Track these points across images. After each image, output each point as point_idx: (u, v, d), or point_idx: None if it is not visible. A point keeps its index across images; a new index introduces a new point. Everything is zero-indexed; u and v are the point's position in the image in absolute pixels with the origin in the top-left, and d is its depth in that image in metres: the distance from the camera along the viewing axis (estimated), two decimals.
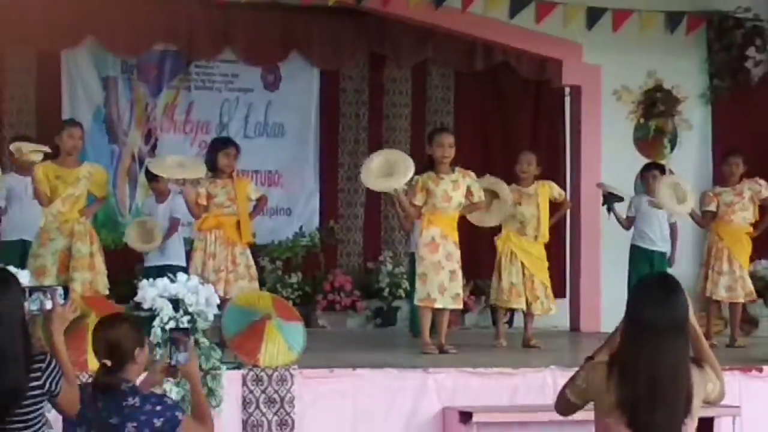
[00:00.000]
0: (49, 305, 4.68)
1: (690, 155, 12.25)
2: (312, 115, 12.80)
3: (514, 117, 13.04)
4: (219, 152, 9.09)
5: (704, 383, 4.28)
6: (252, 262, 9.01)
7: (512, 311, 10.33)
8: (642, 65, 11.91)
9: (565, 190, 11.27)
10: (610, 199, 10.71)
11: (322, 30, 12.08)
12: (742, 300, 10.26)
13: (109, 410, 4.57)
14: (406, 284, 11.79)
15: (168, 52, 12.13)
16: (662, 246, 10.72)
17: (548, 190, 9.81)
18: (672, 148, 12.24)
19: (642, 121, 12.10)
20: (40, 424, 4.54)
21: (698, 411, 4.25)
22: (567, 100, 12.23)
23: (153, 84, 12.28)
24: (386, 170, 8.86)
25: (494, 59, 12.51)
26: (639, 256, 10.65)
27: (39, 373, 4.49)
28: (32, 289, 4.76)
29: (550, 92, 12.61)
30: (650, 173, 10.79)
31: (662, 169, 11.00)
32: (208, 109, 12.43)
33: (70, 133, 9.01)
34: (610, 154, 11.62)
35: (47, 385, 4.50)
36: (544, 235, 9.75)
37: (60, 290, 4.81)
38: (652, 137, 12.12)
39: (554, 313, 9.90)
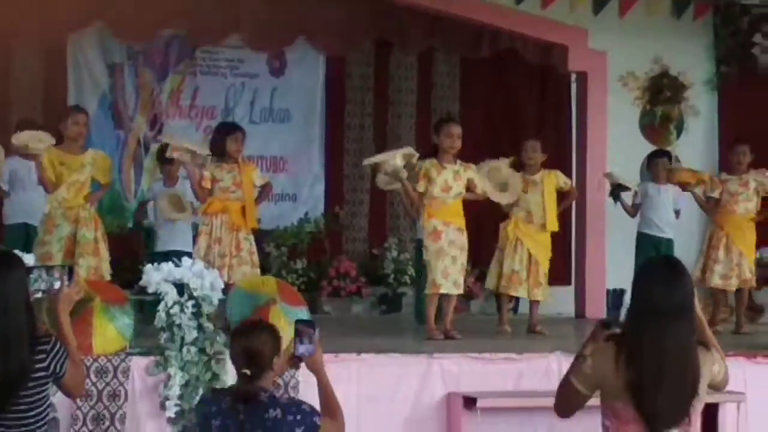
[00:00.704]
0: (57, 285, 4.68)
1: (696, 142, 12.24)
2: (317, 101, 12.79)
3: (520, 103, 13.02)
4: (227, 137, 9.03)
5: (711, 364, 4.28)
6: (255, 249, 8.97)
7: (517, 298, 10.33)
8: (648, 51, 11.89)
9: (570, 176, 11.26)
10: (617, 189, 10.70)
11: (328, 15, 12.04)
12: (733, 288, 10.21)
13: (252, 423, 4.46)
14: (411, 271, 11.79)
15: (173, 37, 12.11)
16: (669, 233, 10.70)
17: (554, 179, 9.80)
18: (678, 135, 12.23)
19: (648, 107, 12.08)
20: (44, 406, 4.55)
21: (705, 393, 4.24)
22: (573, 86, 12.21)
23: (158, 70, 12.28)
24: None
25: (500, 45, 12.47)
26: (646, 243, 10.63)
27: (44, 355, 4.49)
28: (32, 268, 4.76)
29: (556, 78, 12.58)
30: (659, 160, 10.78)
31: (669, 156, 10.99)
32: (213, 94, 12.42)
33: (75, 120, 8.97)
34: (616, 140, 11.61)
35: (52, 367, 4.51)
36: (552, 223, 9.72)
37: (66, 270, 4.81)
38: (658, 124, 12.11)
39: (549, 300, 9.87)
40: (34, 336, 4.52)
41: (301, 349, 4.62)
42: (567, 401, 4.33)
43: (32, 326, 4.53)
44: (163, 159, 10.03)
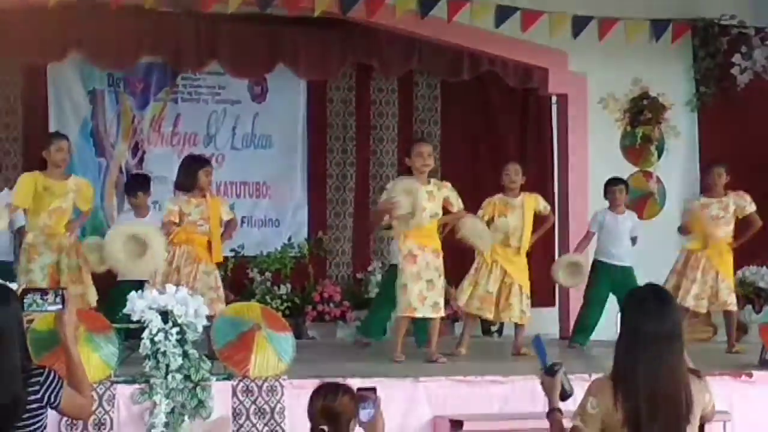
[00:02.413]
0: (52, 308, 4.69)
1: (677, 162, 12.29)
2: (299, 126, 12.80)
3: (501, 126, 13.06)
4: (200, 170, 8.90)
5: (703, 393, 4.34)
6: (219, 283, 8.79)
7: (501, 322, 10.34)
8: (628, 73, 11.95)
9: (553, 198, 11.30)
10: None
11: (308, 41, 12.07)
12: (704, 310, 10.18)
13: None
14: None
15: (154, 64, 12.10)
16: (627, 261, 10.54)
17: (534, 202, 9.81)
18: (659, 156, 12.27)
19: (629, 128, 12.13)
20: None
21: (697, 420, 4.29)
22: (554, 108, 12.26)
23: (140, 97, 12.26)
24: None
25: (480, 68, 12.52)
26: (602, 272, 10.51)
27: (37, 387, 4.52)
28: (27, 292, 4.76)
29: (536, 101, 12.63)
30: (615, 188, 10.70)
31: (625, 184, 10.90)
32: (195, 121, 12.41)
33: (59, 147, 8.91)
34: (597, 162, 11.65)
35: (46, 398, 4.53)
36: (525, 247, 9.74)
37: (61, 293, 4.79)
38: (639, 145, 12.16)
39: (529, 320, 9.81)
40: (28, 368, 4.54)
41: (362, 414, 4.69)
42: None
43: (26, 358, 4.57)
44: (131, 191, 10.05)
